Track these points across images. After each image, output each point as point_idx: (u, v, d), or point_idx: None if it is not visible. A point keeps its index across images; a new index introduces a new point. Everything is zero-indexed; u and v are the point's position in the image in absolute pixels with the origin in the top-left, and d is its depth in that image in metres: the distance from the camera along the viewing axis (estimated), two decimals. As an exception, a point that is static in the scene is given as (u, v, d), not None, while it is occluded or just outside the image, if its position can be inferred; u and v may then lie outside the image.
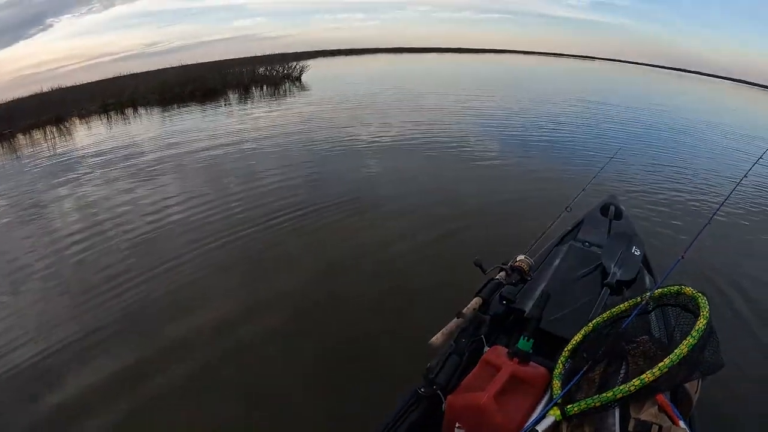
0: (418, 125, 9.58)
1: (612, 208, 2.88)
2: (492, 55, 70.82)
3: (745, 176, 2.75)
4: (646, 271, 2.37)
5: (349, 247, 4.14)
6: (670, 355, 1.30)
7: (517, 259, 2.00)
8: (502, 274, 1.94)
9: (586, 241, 2.60)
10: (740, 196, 5.90)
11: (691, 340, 1.31)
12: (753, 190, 6.40)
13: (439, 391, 1.54)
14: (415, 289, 3.42)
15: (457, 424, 1.48)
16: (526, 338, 1.59)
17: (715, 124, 14.26)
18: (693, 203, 5.68)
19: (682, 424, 1.29)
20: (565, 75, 33.80)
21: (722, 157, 8.93)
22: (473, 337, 1.68)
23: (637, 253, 2.35)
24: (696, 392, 1.45)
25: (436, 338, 1.58)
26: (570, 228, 2.89)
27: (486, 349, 1.70)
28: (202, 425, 2.35)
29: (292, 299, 3.38)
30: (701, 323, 1.36)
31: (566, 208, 2.85)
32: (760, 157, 2.90)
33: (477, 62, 44.44)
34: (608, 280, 2.08)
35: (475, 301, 1.75)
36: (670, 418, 1.30)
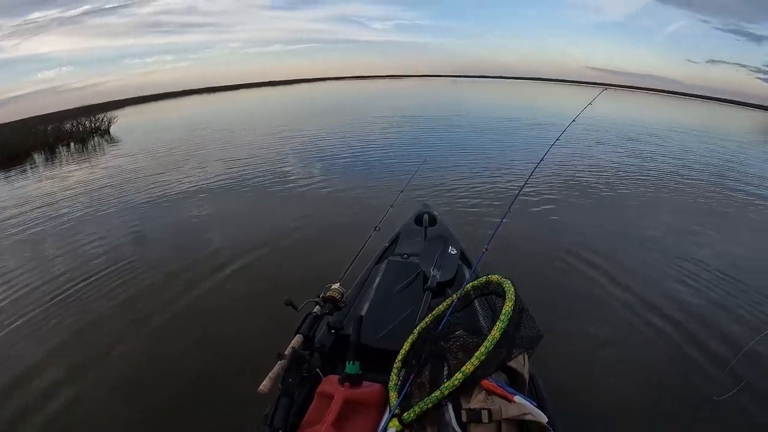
0: (230, 164, 9.36)
1: (425, 216, 2.99)
2: (305, 84, 73.68)
3: (540, 163, 2.90)
4: (466, 268, 2.48)
5: (161, 304, 3.76)
6: (485, 343, 1.38)
7: (331, 288, 1.97)
8: (318, 307, 1.90)
9: (405, 254, 2.62)
10: (542, 178, 6.81)
11: (501, 324, 1.40)
12: (554, 168, 7.44)
13: None
14: (242, 337, 3.19)
15: None
16: (351, 362, 1.57)
17: (514, 118, 16.54)
18: (500, 195, 6.36)
19: (517, 398, 1.34)
20: (374, 96, 36.22)
21: (523, 147, 10.28)
22: (301, 374, 1.61)
23: (454, 252, 2.45)
24: (525, 366, 1.52)
25: (264, 385, 1.48)
26: (388, 244, 2.92)
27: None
28: None
29: (105, 371, 3.00)
30: (508, 306, 1.45)
31: (375, 228, 2.78)
32: (552, 145, 3.10)
33: (290, 93, 45.63)
34: (429, 284, 2.14)
35: (296, 339, 1.69)
36: (504, 397, 1.35)
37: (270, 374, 1.51)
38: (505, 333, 1.39)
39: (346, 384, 1.53)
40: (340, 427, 1.40)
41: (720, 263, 4.25)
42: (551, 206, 5.82)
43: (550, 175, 7.16)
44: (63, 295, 4.02)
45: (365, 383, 1.57)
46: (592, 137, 11.48)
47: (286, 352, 1.58)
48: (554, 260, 4.18)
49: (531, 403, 1.35)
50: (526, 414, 1.31)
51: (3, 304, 3.99)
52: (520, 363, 1.52)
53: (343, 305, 1.93)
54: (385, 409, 1.52)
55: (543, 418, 1.31)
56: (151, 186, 7.96)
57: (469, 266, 2.55)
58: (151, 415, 2.56)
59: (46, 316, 3.70)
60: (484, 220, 5.24)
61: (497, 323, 1.41)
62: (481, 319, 1.76)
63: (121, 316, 3.63)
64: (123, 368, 2.98)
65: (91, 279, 4.28)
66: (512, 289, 1.53)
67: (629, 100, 37.23)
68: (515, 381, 1.52)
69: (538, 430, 1.32)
